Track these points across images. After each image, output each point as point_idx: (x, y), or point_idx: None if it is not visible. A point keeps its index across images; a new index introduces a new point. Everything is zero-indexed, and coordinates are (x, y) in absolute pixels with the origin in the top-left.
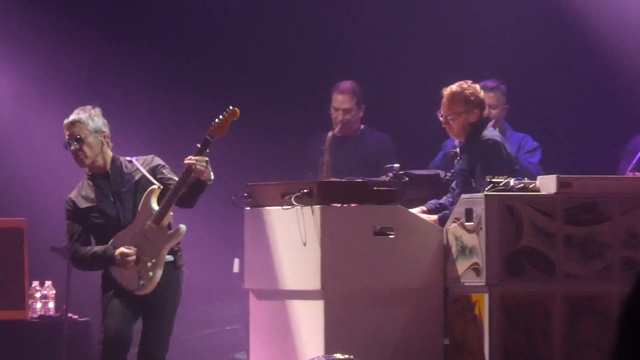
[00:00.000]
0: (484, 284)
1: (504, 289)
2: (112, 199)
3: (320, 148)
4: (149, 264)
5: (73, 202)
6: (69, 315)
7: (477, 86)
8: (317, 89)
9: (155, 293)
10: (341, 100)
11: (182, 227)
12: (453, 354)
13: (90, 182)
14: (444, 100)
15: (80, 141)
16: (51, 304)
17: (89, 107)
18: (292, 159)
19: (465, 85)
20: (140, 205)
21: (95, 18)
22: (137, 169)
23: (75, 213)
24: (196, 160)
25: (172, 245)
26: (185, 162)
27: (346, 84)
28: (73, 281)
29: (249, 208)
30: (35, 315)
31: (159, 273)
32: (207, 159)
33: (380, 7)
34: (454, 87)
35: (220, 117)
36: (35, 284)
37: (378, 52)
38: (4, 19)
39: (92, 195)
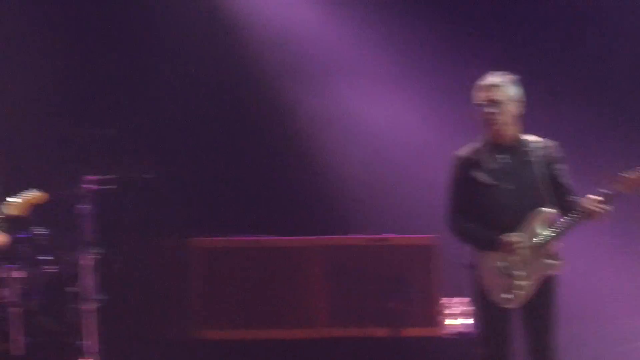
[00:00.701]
0: None
1: None
2: (513, 184)
3: None
4: (520, 281)
5: (466, 167)
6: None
7: None
8: None
9: (529, 305)
10: None
11: (561, 262)
12: None
13: (491, 153)
14: None
15: (496, 105)
16: (465, 321)
17: (506, 73)
18: None
19: None
20: (528, 221)
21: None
22: (533, 150)
23: (467, 182)
24: (600, 209)
25: (549, 274)
26: (587, 206)
27: None
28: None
29: None
30: (449, 332)
31: (528, 292)
32: (609, 210)
33: None
34: None
35: (628, 177)
36: (449, 300)
37: None
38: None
39: (493, 168)
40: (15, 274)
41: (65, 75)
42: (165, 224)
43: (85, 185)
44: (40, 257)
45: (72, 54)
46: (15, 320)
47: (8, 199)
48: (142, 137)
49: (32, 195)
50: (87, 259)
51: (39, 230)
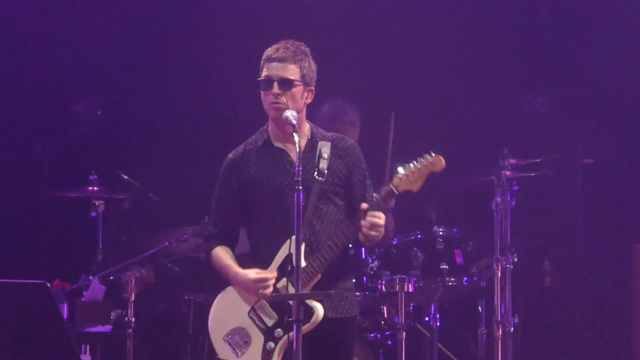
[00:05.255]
0: None
1: None
2: None
3: None
4: None
5: None
6: None
7: None
8: None
9: None
10: None
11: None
12: None
13: None
14: None
15: None
16: None
17: None
18: None
19: None
20: None
21: None
22: None
23: None
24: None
25: None
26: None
27: None
28: None
29: None
30: None
31: None
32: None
33: None
34: None
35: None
36: None
37: None
38: None
39: None
40: (407, 287)
41: None
42: (608, 226)
43: (504, 172)
44: (441, 266)
45: None
46: (400, 346)
47: (399, 168)
48: (575, 113)
49: (427, 161)
50: (502, 268)
51: (440, 230)
